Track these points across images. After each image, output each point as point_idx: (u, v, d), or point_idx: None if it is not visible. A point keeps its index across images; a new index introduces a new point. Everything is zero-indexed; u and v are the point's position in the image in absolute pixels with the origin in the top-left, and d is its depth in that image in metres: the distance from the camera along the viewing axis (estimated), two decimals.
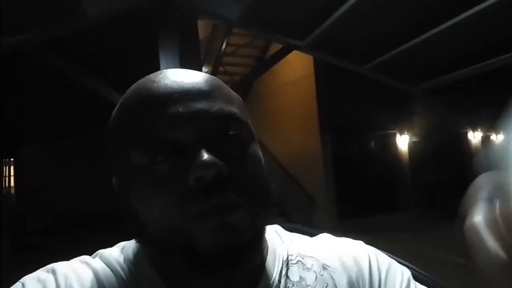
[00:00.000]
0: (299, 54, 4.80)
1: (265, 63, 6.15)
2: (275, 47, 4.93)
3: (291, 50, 3.44)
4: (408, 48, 2.39)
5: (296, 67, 7.06)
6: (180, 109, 0.41)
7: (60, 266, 0.46)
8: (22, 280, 0.44)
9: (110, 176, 0.48)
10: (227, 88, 0.47)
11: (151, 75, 0.46)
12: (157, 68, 2.02)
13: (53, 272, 0.45)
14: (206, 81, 0.44)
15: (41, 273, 0.45)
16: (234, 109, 0.44)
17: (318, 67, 6.61)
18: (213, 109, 0.42)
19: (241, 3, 2.08)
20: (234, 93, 0.48)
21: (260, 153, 0.47)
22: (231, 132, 0.43)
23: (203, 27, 6.03)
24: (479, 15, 1.77)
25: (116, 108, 0.47)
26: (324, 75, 6.57)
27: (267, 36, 3.37)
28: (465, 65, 2.69)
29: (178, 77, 0.44)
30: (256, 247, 0.43)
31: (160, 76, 0.44)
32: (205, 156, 0.39)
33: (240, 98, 0.48)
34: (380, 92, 4.99)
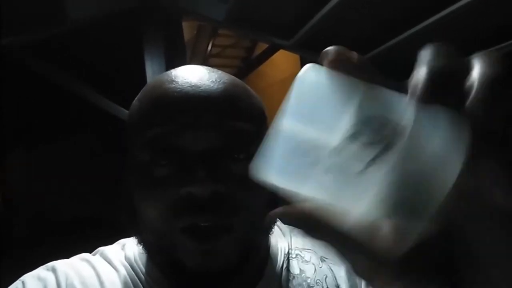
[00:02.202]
0: (285, 54, 4.81)
1: (251, 63, 6.15)
2: (261, 48, 4.94)
3: (277, 50, 3.44)
4: (392, 46, 2.41)
5: (283, 67, 7.07)
6: (189, 120, 0.40)
7: (61, 264, 0.46)
8: (22, 278, 0.44)
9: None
10: (248, 97, 0.45)
11: (173, 71, 0.44)
12: (142, 71, 2.00)
13: (54, 270, 0.45)
14: (225, 90, 0.42)
15: (41, 271, 0.45)
16: (246, 126, 0.42)
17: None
18: (222, 124, 0.41)
19: (226, 3, 2.07)
20: (256, 102, 0.46)
21: None
22: (237, 149, 0.41)
23: (188, 29, 6.01)
24: (462, 10, 1.78)
25: (135, 99, 0.46)
26: None
27: (253, 36, 3.37)
28: None
29: (198, 80, 0.42)
30: (244, 270, 0.42)
31: (180, 75, 0.43)
32: (202, 171, 0.38)
33: (261, 107, 0.47)
34: None
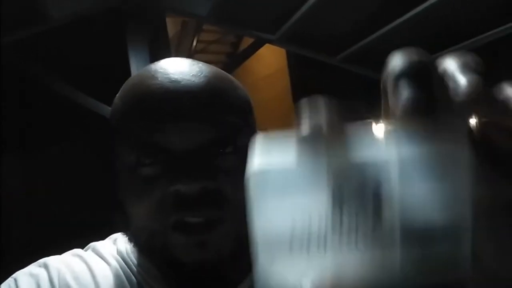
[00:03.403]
0: (271, 48, 4.80)
1: (237, 58, 6.13)
2: (247, 43, 4.92)
3: (263, 44, 3.43)
4: (377, 37, 2.42)
5: (269, 61, 7.07)
6: (171, 114, 0.39)
7: (52, 260, 0.46)
8: (14, 275, 0.43)
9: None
10: (234, 89, 0.44)
11: (153, 67, 0.43)
12: (127, 68, 1.98)
13: (46, 267, 0.44)
14: (208, 83, 0.41)
15: (33, 268, 0.45)
16: (232, 118, 0.41)
17: (292, 60, 6.63)
18: (207, 118, 0.40)
19: None
20: (242, 93, 0.45)
21: None
22: (223, 142, 0.41)
23: (172, 25, 5.96)
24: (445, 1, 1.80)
25: (116, 97, 0.45)
26: (298, 68, 6.59)
27: (238, 31, 3.36)
28: (433, 52, 2.74)
29: (178, 74, 0.41)
30: (239, 256, 0.42)
31: (160, 70, 0.41)
32: (189, 168, 0.38)
33: (248, 99, 0.46)
34: (354, 82, 5.05)
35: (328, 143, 0.18)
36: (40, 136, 2.45)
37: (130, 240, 0.45)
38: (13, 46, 1.90)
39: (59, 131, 2.46)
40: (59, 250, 0.49)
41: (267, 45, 3.49)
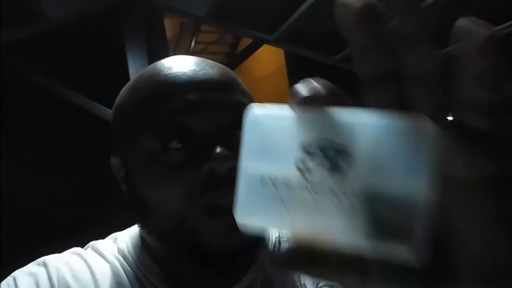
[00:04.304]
0: (270, 49, 4.80)
1: (235, 59, 6.14)
2: (245, 43, 4.92)
3: (261, 45, 3.44)
4: None
5: (268, 61, 7.08)
6: (198, 96, 0.40)
7: (52, 259, 0.45)
8: (13, 274, 0.43)
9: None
10: (241, 81, 0.47)
11: (166, 61, 0.44)
12: (125, 70, 1.98)
13: (45, 265, 0.44)
14: (224, 71, 0.44)
15: (32, 266, 0.45)
16: (248, 101, 0.44)
17: (290, 60, 6.64)
18: (231, 100, 0.42)
19: None
20: (246, 87, 0.48)
21: None
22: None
23: (170, 26, 5.96)
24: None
25: (125, 89, 0.46)
26: (296, 68, 6.60)
27: (236, 32, 3.36)
28: None
29: (194, 65, 0.43)
30: (261, 244, 0.44)
31: (174, 63, 0.44)
32: (220, 148, 0.39)
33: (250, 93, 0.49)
34: (351, 82, 5.05)
35: (320, 105, 0.19)
36: (34, 136, 2.45)
37: (150, 230, 0.44)
38: (8, 46, 1.89)
39: (52, 129, 2.45)
40: (55, 249, 0.49)
41: (265, 45, 3.50)
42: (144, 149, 0.41)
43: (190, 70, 0.43)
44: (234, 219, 0.39)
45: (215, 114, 0.41)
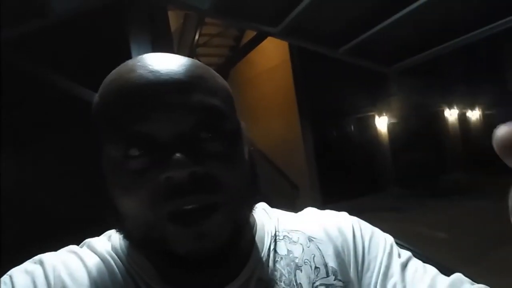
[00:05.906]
0: (274, 41, 4.78)
1: (239, 51, 6.11)
2: (249, 36, 4.91)
3: (265, 38, 3.43)
4: (380, 30, 2.41)
5: (272, 54, 7.05)
6: (154, 102, 0.39)
7: (48, 257, 0.45)
8: (9, 272, 0.43)
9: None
10: (212, 77, 0.44)
11: (131, 62, 0.43)
12: None
13: (41, 263, 0.44)
14: (187, 70, 0.42)
15: (28, 264, 0.45)
16: (215, 101, 0.42)
17: (294, 53, 6.61)
18: (190, 102, 0.40)
19: None
20: (221, 81, 0.45)
21: (244, 144, 0.45)
22: (210, 126, 0.40)
23: (174, 18, 5.94)
24: None
25: (96, 96, 0.44)
26: (300, 61, 6.57)
27: (240, 24, 3.34)
28: (433, 45, 2.72)
29: (156, 65, 0.41)
30: (237, 242, 0.42)
31: (138, 64, 0.42)
32: (178, 154, 0.37)
33: (227, 87, 0.46)
34: (356, 75, 5.03)
35: None
36: (39, 131, 2.45)
37: (125, 236, 0.44)
38: (13, 41, 1.90)
39: (57, 126, 2.45)
40: (54, 247, 0.49)
41: (269, 38, 3.48)
42: (109, 157, 0.41)
43: (151, 72, 0.40)
44: (199, 227, 0.39)
45: (175, 119, 0.39)
